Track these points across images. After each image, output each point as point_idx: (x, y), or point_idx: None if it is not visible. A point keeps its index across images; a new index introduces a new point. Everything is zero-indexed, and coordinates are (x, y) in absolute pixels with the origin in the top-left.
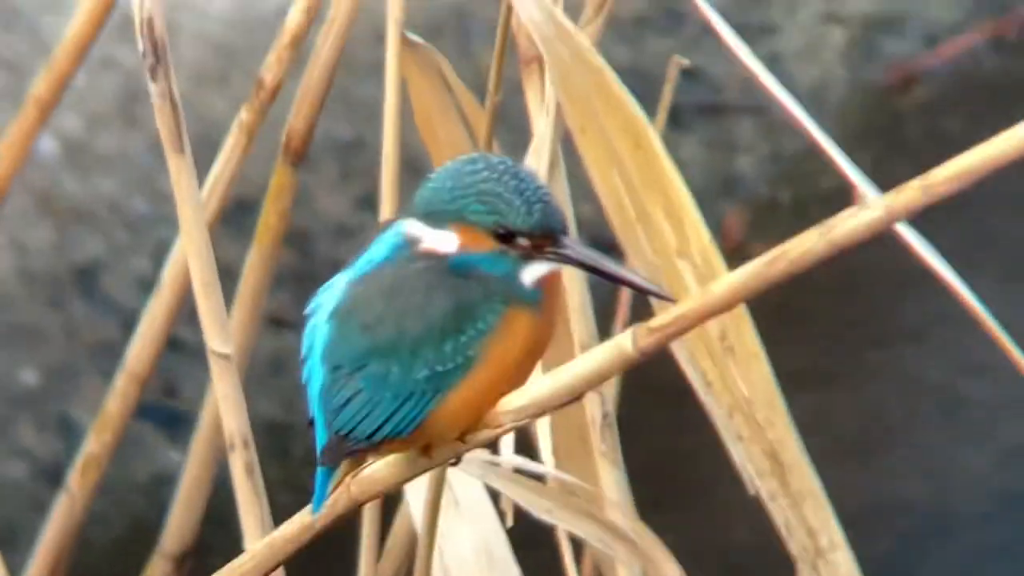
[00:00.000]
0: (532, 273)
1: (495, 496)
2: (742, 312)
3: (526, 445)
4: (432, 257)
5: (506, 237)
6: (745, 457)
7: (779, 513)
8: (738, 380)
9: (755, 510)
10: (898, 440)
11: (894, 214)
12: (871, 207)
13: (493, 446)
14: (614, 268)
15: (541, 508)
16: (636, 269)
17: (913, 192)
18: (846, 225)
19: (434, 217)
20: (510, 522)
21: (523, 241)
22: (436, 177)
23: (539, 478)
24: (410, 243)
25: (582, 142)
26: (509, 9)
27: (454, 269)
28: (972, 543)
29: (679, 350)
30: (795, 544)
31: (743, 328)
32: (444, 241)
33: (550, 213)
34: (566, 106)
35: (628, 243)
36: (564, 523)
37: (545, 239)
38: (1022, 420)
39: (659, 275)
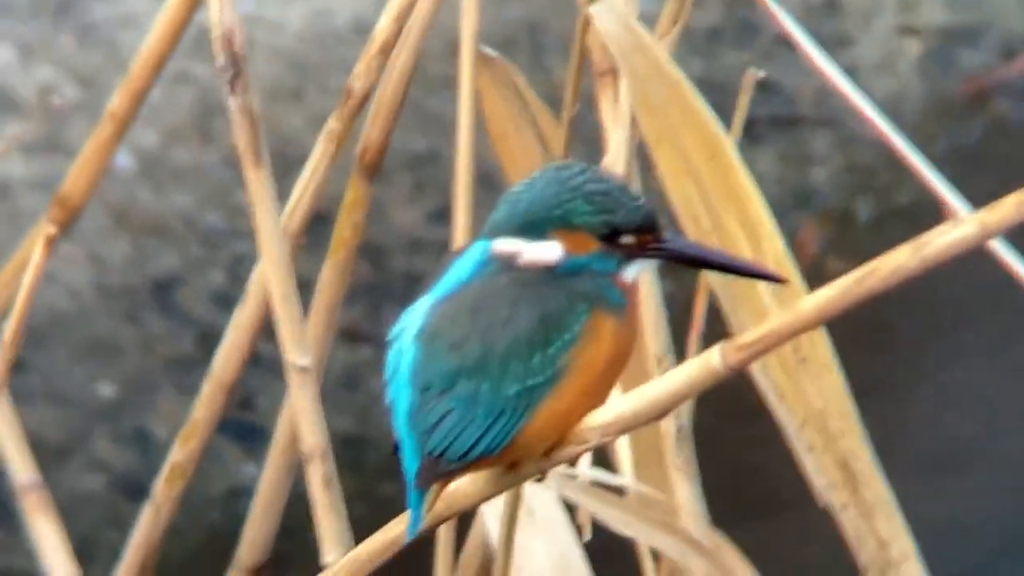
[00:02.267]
0: (635, 271)
1: (571, 509)
2: None
3: (601, 459)
4: (528, 270)
5: (610, 237)
6: (817, 468)
7: (850, 523)
8: (810, 391)
9: (828, 525)
10: (976, 456)
11: (989, 230)
12: (965, 223)
13: (571, 460)
14: (722, 256)
15: (619, 521)
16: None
17: (1009, 208)
18: (939, 241)
19: (532, 228)
20: (587, 536)
21: (628, 239)
22: (528, 188)
23: (616, 491)
24: (499, 260)
25: (658, 153)
26: (585, 22)
27: (563, 274)
28: None
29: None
30: (865, 555)
31: (816, 339)
32: (548, 250)
33: (652, 210)
34: (642, 117)
35: None
36: (642, 536)
37: (649, 235)
38: None
39: (734, 288)
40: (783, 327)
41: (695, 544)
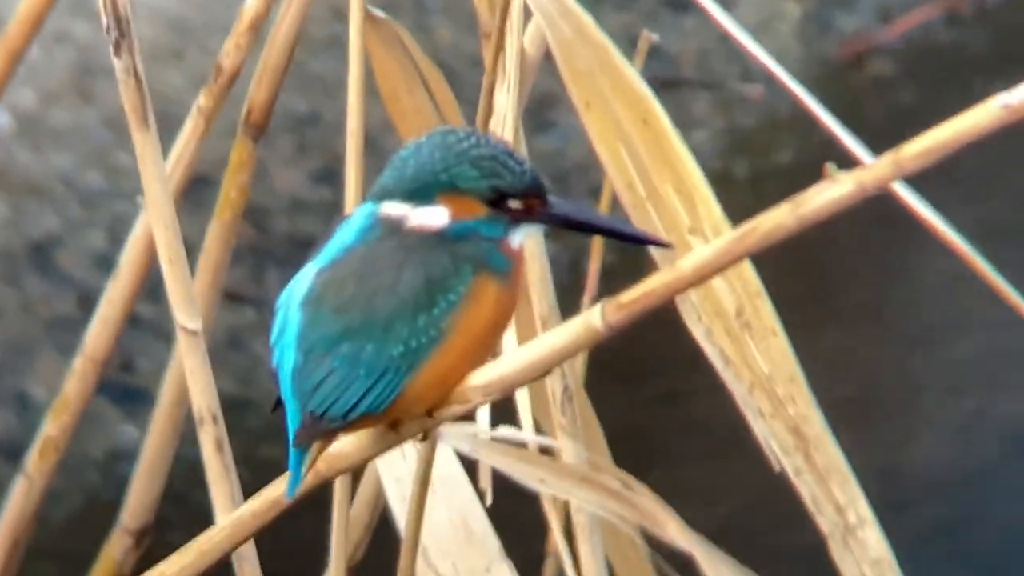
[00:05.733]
0: (521, 236)
1: (471, 470)
2: (758, 288)
3: (501, 420)
4: (416, 234)
5: (497, 202)
6: (768, 433)
7: (806, 489)
8: (757, 356)
9: (708, 489)
10: (854, 417)
11: (865, 189)
12: (842, 182)
13: (473, 419)
14: (608, 221)
15: (532, 476)
16: (628, 221)
17: (884, 166)
18: (817, 200)
19: (420, 193)
20: (488, 500)
21: (515, 203)
22: (415, 153)
23: (524, 447)
24: (385, 224)
25: (588, 118)
26: None
27: (450, 237)
28: (925, 518)
29: (695, 327)
30: (824, 521)
31: (759, 304)
32: (434, 215)
33: (538, 175)
34: (571, 83)
35: (639, 221)
36: (560, 491)
37: (536, 200)
38: (974, 396)
39: (672, 254)
40: (662, 286)
41: (613, 493)
